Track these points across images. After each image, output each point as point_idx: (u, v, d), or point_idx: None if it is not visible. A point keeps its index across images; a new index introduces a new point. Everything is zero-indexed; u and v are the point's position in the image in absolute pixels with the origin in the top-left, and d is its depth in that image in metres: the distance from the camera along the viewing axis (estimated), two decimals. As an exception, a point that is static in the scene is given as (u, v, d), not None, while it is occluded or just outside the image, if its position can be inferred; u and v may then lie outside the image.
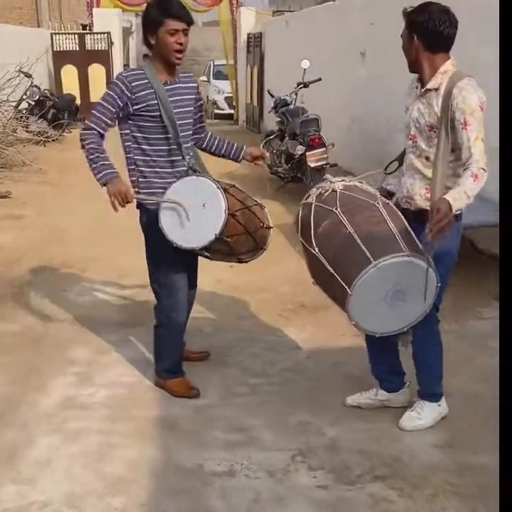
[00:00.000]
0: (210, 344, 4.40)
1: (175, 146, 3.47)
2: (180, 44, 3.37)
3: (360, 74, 9.38)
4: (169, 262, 3.56)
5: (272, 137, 9.41)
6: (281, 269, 5.96)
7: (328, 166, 8.18)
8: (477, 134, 2.92)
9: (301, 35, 12.06)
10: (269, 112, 9.81)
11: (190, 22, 3.40)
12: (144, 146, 3.48)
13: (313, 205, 3.21)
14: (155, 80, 3.41)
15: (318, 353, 4.29)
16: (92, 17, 16.82)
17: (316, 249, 3.08)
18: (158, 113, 3.41)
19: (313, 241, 3.11)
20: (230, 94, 18.02)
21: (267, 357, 4.25)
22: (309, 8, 13.59)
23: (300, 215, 3.31)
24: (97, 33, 16.22)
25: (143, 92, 3.39)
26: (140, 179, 3.51)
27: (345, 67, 9.76)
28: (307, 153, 7.99)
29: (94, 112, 3.44)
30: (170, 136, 3.44)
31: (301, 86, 9.13)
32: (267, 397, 3.76)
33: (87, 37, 16.32)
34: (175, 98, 3.47)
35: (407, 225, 3.03)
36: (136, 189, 3.51)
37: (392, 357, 3.50)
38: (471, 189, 2.85)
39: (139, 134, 3.47)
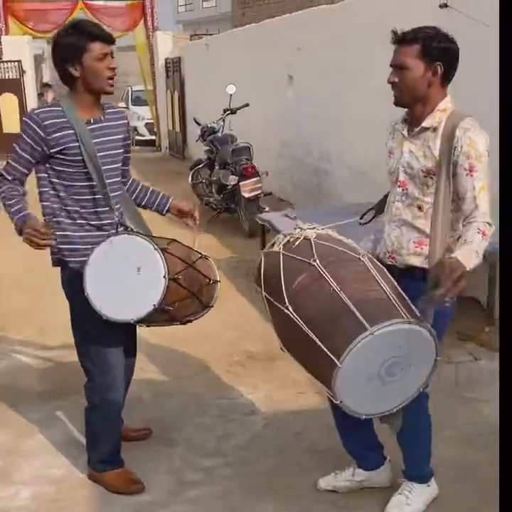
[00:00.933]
0: (151, 416, 3.81)
1: (100, 196, 2.92)
2: (113, 69, 2.86)
3: (288, 97, 9.03)
4: (101, 334, 2.97)
5: (200, 166, 8.94)
6: (222, 312, 5.37)
7: (262, 195, 7.73)
8: (483, 182, 2.51)
9: (223, 59, 11.65)
10: (197, 141, 9.32)
11: (114, 42, 2.89)
12: (62, 194, 2.92)
13: (281, 255, 2.68)
14: (75, 118, 2.86)
15: (276, 419, 3.76)
16: (0, 45, 15.97)
17: (290, 308, 2.54)
18: (80, 157, 2.86)
19: (285, 298, 2.56)
20: (151, 120, 17.50)
21: (219, 428, 3.69)
22: (230, 30, 13.24)
23: (262, 266, 2.78)
24: (6, 62, 15.37)
25: (60, 133, 2.83)
26: (58, 233, 2.92)
27: (273, 91, 9.39)
28: (240, 184, 7.54)
29: (9, 160, 2.92)
30: (94, 183, 2.89)
31: (228, 112, 8.73)
32: (225, 486, 3.18)
33: (-4, 65, 15.44)
34: (100, 139, 2.92)
35: (397, 285, 2.56)
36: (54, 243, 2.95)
37: (367, 429, 2.99)
38: (480, 247, 2.43)
39: (57, 180, 2.91)
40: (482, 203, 2.49)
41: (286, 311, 2.55)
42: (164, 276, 2.77)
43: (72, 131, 2.84)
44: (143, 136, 18.29)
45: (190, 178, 9.10)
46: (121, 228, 2.97)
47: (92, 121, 2.91)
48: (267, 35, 9.66)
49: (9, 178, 2.89)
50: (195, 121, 9.50)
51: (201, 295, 3.11)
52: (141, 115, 18.67)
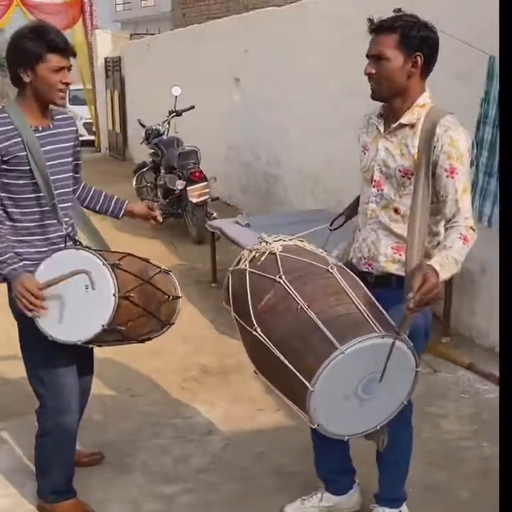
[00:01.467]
0: (103, 439, 3.59)
1: (48, 208, 2.71)
2: (67, 84, 2.65)
3: (235, 100, 8.89)
4: (52, 354, 2.76)
5: (145, 170, 8.70)
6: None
7: (210, 200, 7.56)
8: (465, 184, 2.38)
9: (166, 60, 11.42)
10: (141, 143, 9.07)
11: (74, 56, 2.69)
12: (10, 210, 2.70)
13: (247, 273, 2.52)
14: (23, 125, 2.64)
15: (236, 439, 3.60)
16: None
17: (258, 330, 2.37)
18: (27, 167, 2.64)
19: (253, 319, 2.40)
20: (90, 120, 17.05)
21: (177, 450, 3.50)
22: (173, 31, 13.01)
23: (230, 285, 2.61)
24: None
25: (7, 142, 2.60)
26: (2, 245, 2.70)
27: (219, 93, 9.23)
28: (188, 189, 7.35)
29: None
30: (42, 194, 2.68)
31: (173, 114, 8.51)
32: (187, 515, 3.01)
33: None
34: (49, 147, 2.71)
35: (371, 295, 2.40)
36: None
37: (343, 451, 2.86)
38: (460, 254, 2.29)
39: (4, 194, 2.69)
40: (464, 205, 2.37)
41: (254, 333, 2.39)
42: (114, 294, 2.58)
43: (20, 139, 2.63)
44: (82, 136, 17.75)
45: (134, 182, 8.85)
46: (70, 242, 2.77)
47: (40, 129, 2.71)
48: (212, 37, 9.49)
49: None
50: (140, 122, 9.24)
51: (159, 313, 2.91)
52: (79, 115, 18.18)
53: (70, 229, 2.84)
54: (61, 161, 2.78)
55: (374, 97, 2.51)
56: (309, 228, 3.16)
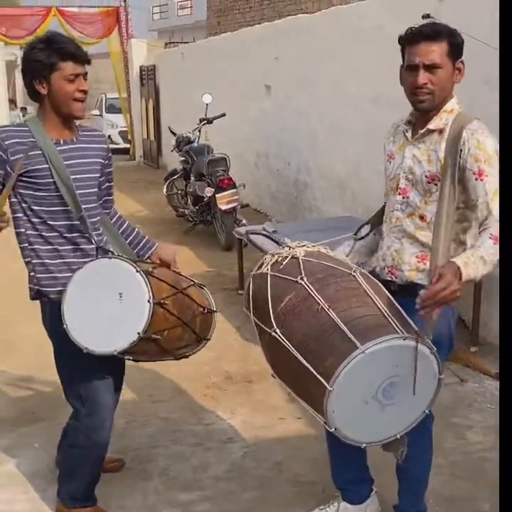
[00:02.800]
0: (124, 445, 3.59)
1: (77, 222, 2.70)
2: (84, 92, 2.64)
3: (265, 108, 8.89)
4: (89, 370, 2.74)
5: (175, 177, 8.74)
6: (198, 330, 5.25)
7: (239, 207, 7.57)
8: (495, 187, 2.30)
9: (199, 68, 11.49)
10: (172, 151, 9.13)
11: (89, 62, 2.66)
12: (35, 220, 2.69)
13: (269, 276, 2.50)
14: (43, 137, 2.63)
15: (256, 448, 3.57)
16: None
17: (278, 331, 2.34)
18: (51, 179, 2.64)
19: (272, 321, 2.38)
20: (125, 129, 17.23)
21: (196, 458, 3.49)
22: (206, 39, 13.08)
23: (251, 289, 2.59)
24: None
25: (24, 154, 2.60)
26: (34, 261, 2.71)
27: (250, 101, 9.25)
28: (217, 196, 7.36)
29: None
30: (68, 208, 2.67)
31: (204, 122, 8.56)
32: (202, 524, 3.00)
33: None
34: (72, 162, 2.69)
35: (393, 301, 2.36)
36: (32, 274, 2.74)
37: (360, 461, 2.82)
38: (489, 253, 2.21)
39: (29, 206, 2.68)
40: (496, 207, 2.29)
41: (274, 334, 2.37)
42: (149, 301, 2.53)
43: (40, 152, 2.62)
44: (117, 144, 17.98)
45: (165, 189, 8.90)
46: (101, 253, 2.76)
47: (61, 142, 2.70)
48: (244, 44, 9.52)
49: None
50: (170, 130, 9.31)
51: (194, 325, 2.86)
52: (115, 123, 18.40)
53: (101, 242, 2.81)
54: (86, 176, 2.75)
55: (423, 107, 2.44)
56: (335, 235, 3.14)
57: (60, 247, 2.72)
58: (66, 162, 2.67)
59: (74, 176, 2.68)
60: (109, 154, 2.91)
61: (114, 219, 3.05)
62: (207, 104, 8.52)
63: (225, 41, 10.54)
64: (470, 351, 4.60)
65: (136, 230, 3.09)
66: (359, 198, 6.58)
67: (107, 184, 2.95)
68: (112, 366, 2.81)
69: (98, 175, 2.83)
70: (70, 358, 2.71)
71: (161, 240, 7.74)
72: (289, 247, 2.59)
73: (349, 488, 2.89)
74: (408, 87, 2.45)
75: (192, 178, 8.16)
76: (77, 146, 2.75)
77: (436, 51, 2.36)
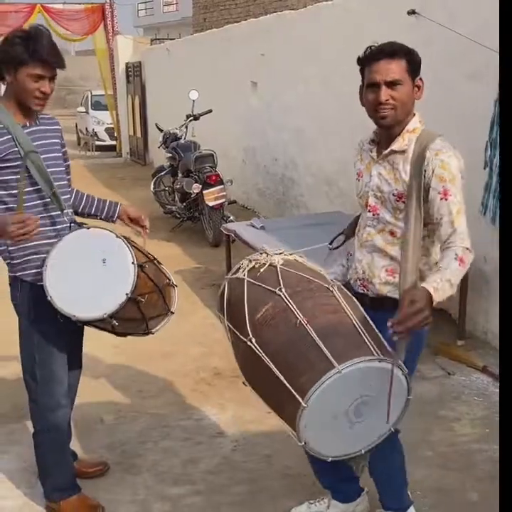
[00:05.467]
0: (114, 440, 3.61)
1: (48, 199, 2.77)
2: (44, 93, 2.70)
3: (252, 104, 8.90)
4: (51, 351, 2.84)
5: (163, 173, 8.73)
6: (187, 325, 5.26)
7: (226, 203, 7.57)
8: (459, 205, 2.35)
9: (185, 64, 11.48)
10: (159, 148, 9.11)
11: (61, 67, 2.71)
12: (12, 206, 2.74)
13: (245, 283, 2.48)
14: (11, 122, 2.71)
15: (245, 442, 3.59)
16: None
17: (253, 340, 2.33)
18: (21, 162, 2.70)
19: (248, 329, 2.36)
20: (111, 125, 17.16)
21: (185, 452, 3.50)
22: (192, 35, 13.06)
23: (226, 293, 2.57)
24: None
25: None
26: (11, 247, 2.75)
27: (237, 97, 9.26)
28: (204, 192, 7.37)
29: None
30: (40, 187, 2.74)
31: (191, 118, 8.55)
32: (193, 516, 3.01)
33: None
34: (40, 142, 2.79)
35: (368, 318, 2.37)
36: (7, 261, 2.80)
37: (342, 463, 2.82)
38: (455, 276, 2.25)
39: (4, 192, 2.74)
40: (460, 226, 2.34)
41: (249, 343, 2.34)
42: (133, 263, 2.64)
43: (10, 137, 2.69)
44: (103, 141, 17.91)
45: (152, 186, 8.89)
46: (75, 228, 2.82)
47: (27, 125, 2.79)
48: (230, 41, 9.51)
49: None
50: (157, 127, 9.30)
51: (165, 294, 2.96)
52: (101, 120, 18.31)
53: (72, 219, 2.89)
54: (53, 155, 2.85)
55: (386, 123, 2.45)
56: (323, 230, 3.14)
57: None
58: (34, 143, 2.75)
59: (43, 156, 2.76)
60: (62, 134, 3.00)
61: (74, 194, 3.10)
62: (193, 101, 8.51)
63: (211, 37, 10.53)
64: (456, 345, 4.64)
65: (96, 197, 3.16)
66: (346, 194, 6.60)
67: (65, 163, 3.01)
68: (70, 345, 2.92)
69: (60, 154, 2.92)
70: (36, 337, 2.81)
71: (148, 236, 7.83)
72: (267, 253, 2.57)
73: (335, 487, 2.90)
74: (370, 104, 2.45)
75: (179, 175, 8.16)
76: (40, 128, 2.84)
77: (395, 68, 2.39)
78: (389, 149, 2.47)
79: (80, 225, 2.83)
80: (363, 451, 2.37)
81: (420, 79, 2.45)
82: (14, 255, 2.76)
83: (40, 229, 2.66)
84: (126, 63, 15.43)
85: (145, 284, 2.74)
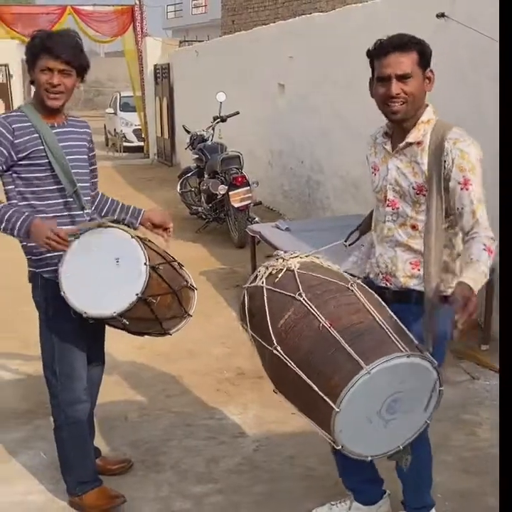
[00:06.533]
0: (138, 438, 3.65)
1: (71, 199, 2.84)
2: (52, 85, 2.75)
3: (279, 106, 8.91)
4: (70, 346, 2.90)
5: (189, 175, 8.79)
6: (211, 326, 5.30)
7: (252, 205, 7.60)
8: (480, 195, 2.35)
9: (213, 66, 11.53)
10: (186, 149, 9.18)
11: (71, 62, 2.76)
12: (33, 202, 2.82)
13: (264, 290, 2.47)
14: (39, 121, 2.80)
15: (267, 442, 3.61)
16: (-12, 49, 15.79)
17: (279, 348, 2.33)
18: (46, 160, 2.78)
19: (272, 337, 2.37)
20: (139, 127, 17.28)
21: (208, 451, 3.53)
22: (220, 37, 13.11)
23: (247, 302, 2.57)
24: (-7, 65, 15.22)
25: (26, 137, 2.76)
26: (30, 244, 2.82)
27: (264, 99, 9.28)
28: (230, 193, 7.40)
29: None
30: (62, 186, 2.81)
31: (218, 120, 8.59)
32: (214, 515, 3.03)
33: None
34: (66, 144, 2.86)
35: (392, 314, 2.38)
36: (28, 257, 2.88)
37: (368, 464, 2.83)
38: (487, 266, 2.25)
39: (25, 189, 2.82)
40: (482, 216, 2.34)
41: (275, 352, 2.35)
42: (145, 264, 2.67)
43: (37, 135, 2.77)
44: (131, 142, 18.05)
45: (178, 187, 8.95)
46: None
47: (55, 126, 2.86)
48: (258, 43, 9.54)
49: None
50: (185, 128, 9.36)
51: (181, 296, 2.98)
52: (129, 121, 18.46)
53: (94, 216, 2.95)
54: (78, 156, 2.92)
55: (397, 118, 2.45)
56: (346, 233, 3.14)
57: (52, 221, 2.79)
58: (61, 144, 2.82)
59: (69, 157, 2.83)
60: (92, 138, 3.07)
61: (98, 197, 3.17)
62: (221, 103, 8.56)
63: (239, 39, 10.57)
64: (481, 349, 4.61)
65: (121, 202, 3.21)
66: (371, 197, 6.58)
67: (92, 167, 3.08)
68: (91, 341, 2.98)
69: (86, 157, 2.99)
70: (55, 333, 2.87)
71: (174, 237, 7.88)
72: (283, 258, 2.57)
73: (359, 489, 2.91)
74: (380, 98, 2.45)
75: (205, 176, 8.20)
76: (68, 129, 2.91)
77: (406, 61, 2.37)
78: (405, 142, 2.46)
79: (98, 225, 2.86)
80: (400, 447, 2.37)
81: (431, 70, 2.44)
82: (34, 251, 2.83)
83: (61, 227, 2.73)
84: (155, 65, 15.54)
85: (158, 285, 2.77)
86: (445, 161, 2.36)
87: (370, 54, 2.48)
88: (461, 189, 2.35)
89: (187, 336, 4.81)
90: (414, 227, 2.50)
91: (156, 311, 2.81)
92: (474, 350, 4.58)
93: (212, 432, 3.72)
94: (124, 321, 2.72)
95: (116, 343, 3.84)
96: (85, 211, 2.88)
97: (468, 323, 2.12)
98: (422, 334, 2.33)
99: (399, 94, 2.39)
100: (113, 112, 19.48)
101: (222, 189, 7.51)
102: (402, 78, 2.38)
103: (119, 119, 18.78)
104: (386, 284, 2.59)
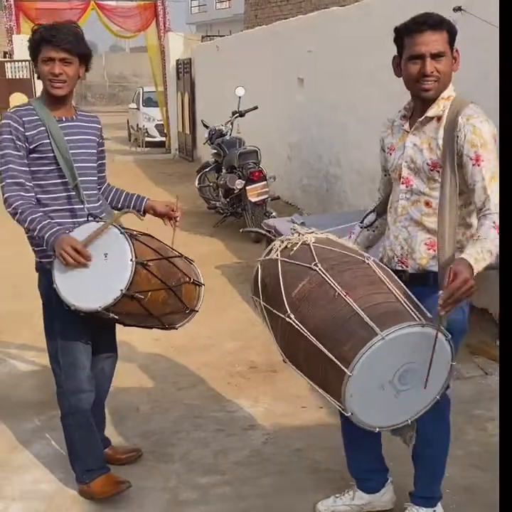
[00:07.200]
0: (148, 429, 3.69)
1: (74, 193, 2.89)
2: (54, 74, 2.80)
3: (298, 100, 8.90)
4: (73, 337, 2.95)
5: (207, 169, 8.83)
6: (225, 320, 5.33)
7: (269, 199, 7.61)
8: (492, 171, 2.34)
9: (233, 61, 11.55)
10: (204, 144, 9.21)
11: (71, 50, 2.80)
12: (39, 196, 2.89)
13: (279, 262, 2.52)
14: (46, 115, 2.86)
15: (277, 435, 3.62)
16: (12, 44, 15.92)
17: (292, 316, 2.37)
18: (52, 154, 2.84)
19: (286, 306, 2.40)
20: (161, 122, 17.37)
21: (217, 443, 3.56)
22: (241, 32, 13.12)
23: (260, 275, 2.61)
24: (18, 61, 15.32)
25: (34, 131, 2.83)
26: (35, 234, 2.87)
27: (283, 94, 9.27)
28: (247, 188, 7.43)
29: (2, 170, 2.82)
30: (67, 180, 2.87)
31: (236, 115, 8.61)
32: (221, 507, 3.04)
33: (7, 65, 15.39)
34: (72, 137, 2.91)
35: (406, 288, 2.40)
36: (33, 248, 2.97)
37: (376, 451, 2.85)
38: (495, 245, 2.23)
39: (33, 182, 2.88)
40: (494, 192, 2.33)
41: (288, 319, 2.39)
42: (131, 260, 2.69)
43: (44, 128, 2.83)
44: (153, 137, 18.15)
45: (197, 182, 9.00)
46: (91, 219, 2.91)
47: (63, 119, 2.91)
48: (277, 37, 9.54)
49: (20, 190, 2.81)
50: (203, 123, 9.40)
51: (180, 293, 2.99)
52: (151, 116, 18.56)
53: (94, 210, 2.96)
54: (84, 151, 2.96)
55: (429, 95, 2.46)
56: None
57: (60, 219, 2.87)
58: (66, 138, 2.87)
59: (73, 151, 2.88)
60: (101, 133, 3.13)
61: (103, 188, 3.23)
62: (239, 97, 8.57)
63: (260, 34, 10.57)
64: (496, 344, 4.58)
65: (125, 191, 3.26)
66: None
67: (100, 161, 3.15)
68: (99, 332, 3.03)
69: (94, 151, 3.03)
70: (59, 322, 2.92)
71: (192, 231, 7.94)
72: (299, 233, 2.60)
73: (364, 477, 2.92)
74: (413, 76, 2.46)
75: (223, 171, 8.23)
76: (76, 123, 2.96)
77: (439, 40, 2.40)
78: (424, 116, 2.48)
79: (97, 219, 2.90)
80: (409, 422, 2.39)
81: (456, 50, 2.46)
82: (38, 242, 2.88)
83: (61, 221, 2.83)
84: (177, 60, 15.59)
85: (147, 281, 2.77)
86: (458, 137, 2.38)
87: (399, 31, 2.50)
88: (473, 165, 2.36)
89: (201, 329, 4.87)
90: (427, 204, 2.50)
91: (148, 306, 2.83)
92: (489, 345, 4.55)
93: (221, 425, 3.74)
94: (112, 315, 2.76)
95: (132, 335, 3.89)
96: (86, 205, 2.91)
97: (453, 299, 2.11)
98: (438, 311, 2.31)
99: (433, 72, 2.41)
100: (136, 107, 19.61)
101: (239, 184, 7.53)
102: (436, 57, 2.41)
103: (141, 114, 18.89)
104: (402, 267, 2.59)
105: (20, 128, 2.81)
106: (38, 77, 2.88)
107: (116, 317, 2.79)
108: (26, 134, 2.81)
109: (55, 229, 2.75)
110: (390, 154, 2.64)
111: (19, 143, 2.80)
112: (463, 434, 3.56)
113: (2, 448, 3.54)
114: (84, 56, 2.87)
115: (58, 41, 2.77)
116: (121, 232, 2.74)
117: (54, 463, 3.38)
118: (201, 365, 4.50)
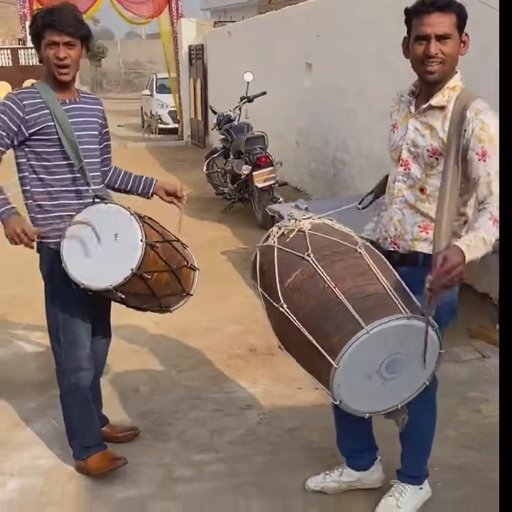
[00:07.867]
0: (147, 409, 3.76)
1: (79, 174, 2.94)
2: (59, 58, 2.84)
3: (306, 85, 8.90)
4: (74, 316, 3.02)
5: (216, 155, 8.86)
6: (228, 304, 5.38)
7: (276, 185, 7.63)
8: (496, 167, 2.36)
9: (244, 46, 11.55)
10: (213, 129, 9.24)
11: (74, 33, 2.84)
12: (43, 176, 2.94)
13: (275, 250, 2.57)
14: (50, 98, 2.90)
15: (272, 415, 3.68)
16: (25, 31, 16.00)
17: (285, 306, 2.44)
18: (56, 136, 2.89)
19: (279, 296, 2.47)
20: (174, 109, 17.38)
21: (213, 423, 3.62)
22: (252, 18, 13.09)
23: (258, 261, 2.67)
24: (30, 48, 15.39)
25: (37, 113, 2.87)
26: (38, 215, 2.96)
27: (291, 79, 9.27)
28: (254, 173, 7.45)
29: None
30: (72, 161, 2.92)
31: (244, 100, 8.62)
32: (215, 483, 3.11)
33: (21, 52, 15.49)
34: (76, 119, 2.96)
35: (398, 277, 2.44)
36: (34, 228, 2.98)
37: (366, 430, 2.90)
38: (489, 235, 2.26)
39: (36, 163, 2.94)
40: (496, 188, 2.35)
41: (281, 309, 2.46)
42: (142, 240, 2.76)
43: (48, 111, 2.87)
44: (166, 124, 18.16)
45: (205, 167, 9.02)
46: (98, 200, 2.96)
47: (67, 102, 2.96)
48: (286, 22, 9.52)
49: None
50: (211, 109, 9.43)
51: (180, 275, 3.07)
52: (164, 103, 18.55)
53: (100, 192, 3.01)
54: (88, 132, 3.02)
55: (433, 78, 2.46)
56: (368, 212, 3.16)
57: (64, 200, 2.95)
58: (71, 120, 2.91)
59: (77, 133, 2.92)
60: (104, 114, 3.17)
61: (111, 171, 3.28)
62: (248, 83, 8.57)
63: (270, 19, 10.56)
64: (495, 328, 4.60)
65: (133, 174, 3.31)
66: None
67: (105, 143, 3.20)
68: (96, 315, 3.09)
69: (97, 132, 3.08)
70: (60, 302, 2.98)
71: (199, 217, 7.99)
72: (295, 219, 2.64)
73: (354, 455, 2.97)
74: (418, 57, 2.46)
75: (231, 157, 8.25)
76: (79, 105, 3.01)
77: (446, 22, 2.39)
78: (427, 104, 2.49)
79: (102, 199, 2.96)
80: (399, 406, 2.45)
81: (466, 34, 2.45)
82: (40, 223, 2.94)
83: (67, 202, 2.89)
84: (189, 46, 15.56)
85: (155, 262, 2.85)
86: (465, 131, 2.39)
87: (408, 12, 2.50)
88: (479, 160, 2.37)
89: (204, 313, 4.94)
90: (422, 190, 2.53)
91: (153, 286, 2.90)
92: (488, 329, 4.57)
93: (219, 405, 3.81)
94: (120, 294, 2.81)
95: (135, 318, 3.94)
96: (91, 187, 2.97)
97: (441, 283, 2.14)
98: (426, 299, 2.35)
99: (437, 54, 2.41)
100: (149, 93, 19.60)
101: (245, 169, 7.56)
102: (442, 38, 2.40)
103: (155, 100, 18.89)
104: (394, 248, 2.63)
105: (18, 111, 2.83)
106: (40, 61, 2.91)
107: (123, 296, 2.85)
108: (26, 117, 2.84)
109: (6, 207, 2.79)
110: (393, 132, 2.65)
111: (12, 125, 2.82)
112: (456, 415, 3.60)
113: (4, 426, 3.63)
114: (85, 38, 2.92)
115: (61, 25, 2.80)
116: (131, 214, 2.81)
117: (53, 440, 3.46)
118: (202, 348, 4.57)
